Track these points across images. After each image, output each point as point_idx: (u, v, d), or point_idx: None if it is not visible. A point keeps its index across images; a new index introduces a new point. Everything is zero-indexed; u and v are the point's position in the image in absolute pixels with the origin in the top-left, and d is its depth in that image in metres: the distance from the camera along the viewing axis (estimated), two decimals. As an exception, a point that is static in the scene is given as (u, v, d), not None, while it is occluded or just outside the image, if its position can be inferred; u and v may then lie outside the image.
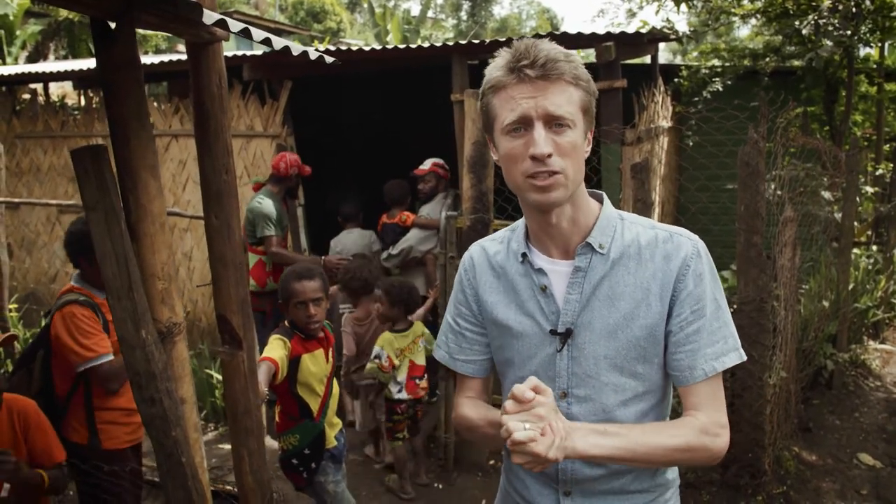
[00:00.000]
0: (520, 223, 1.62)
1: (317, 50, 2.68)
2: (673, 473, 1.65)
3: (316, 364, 3.16)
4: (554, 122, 1.39)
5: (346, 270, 4.62)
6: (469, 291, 1.68)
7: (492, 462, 4.53)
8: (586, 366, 1.51)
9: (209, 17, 1.48)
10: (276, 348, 3.02)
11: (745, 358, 1.52)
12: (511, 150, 1.42)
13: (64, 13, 15.01)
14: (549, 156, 1.38)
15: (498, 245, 1.65)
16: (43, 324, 3.11)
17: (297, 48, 1.94)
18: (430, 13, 27.70)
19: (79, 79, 7.34)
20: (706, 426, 1.46)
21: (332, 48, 6.31)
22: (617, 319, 1.48)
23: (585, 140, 1.46)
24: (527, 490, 1.65)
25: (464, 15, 34.54)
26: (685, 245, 1.49)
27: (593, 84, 1.46)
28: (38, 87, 7.91)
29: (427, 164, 5.48)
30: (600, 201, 1.57)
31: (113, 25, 1.69)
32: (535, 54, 1.37)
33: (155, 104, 6.36)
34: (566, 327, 1.51)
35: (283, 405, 3.19)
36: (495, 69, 1.43)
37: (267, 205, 5.03)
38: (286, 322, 3.21)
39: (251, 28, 1.60)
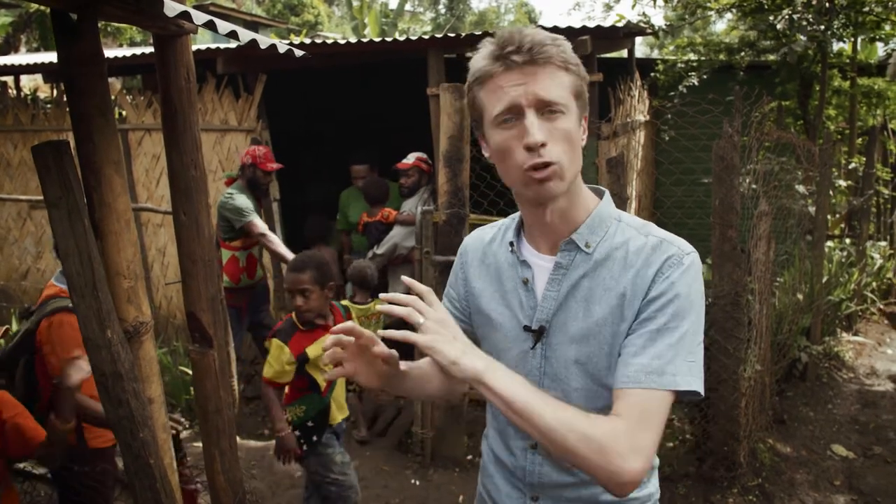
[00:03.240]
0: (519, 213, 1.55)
1: (289, 43, 2.64)
2: (653, 486, 1.57)
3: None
4: (546, 109, 1.30)
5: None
6: (460, 275, 1.65)
7: (469, 457, 4.52)
8: (557, 368, 1.44)
9: (171, 9, 1.44)
10: (275, 362, 3.20)
11: (682, 399, 1.34)
12: (503, 142, 1.33)
13: (35, 4, 14.72)
14: (544, 144, 1.29)
15: (495, 232, 1.61)
16: (17, 325, 3.04)
17: (264, 41, 1.91)
18: (408, 6, 27.54)
19: (49, 72, 7.21)
20: (619, 439, 1.23)
21: (308, 41, 6.26)
22: (590, 325, 1.39)
23: (580, 127, 1.38)
24: (497, 492, 1.60)
25: (442, 8, 34.39)
26: (668, 251, 1.37)
27: (583, 68, 1.38)
28: (9, 79, 7.77)
29: (411, 159, 5.40)
30: (601, 197, 1.48)
31: (75, 18, 1.65)
32: (521, 40, 1.29)
33: (128, 98, 6.26)
34: (540, 325, 1.44)
35: (293, 380, 3.33)
36: (480, 59, 1.35)
37: (239, 199, 4.94)
38: (292, 314, 3.34)
39: (216, 21, 1.57)
